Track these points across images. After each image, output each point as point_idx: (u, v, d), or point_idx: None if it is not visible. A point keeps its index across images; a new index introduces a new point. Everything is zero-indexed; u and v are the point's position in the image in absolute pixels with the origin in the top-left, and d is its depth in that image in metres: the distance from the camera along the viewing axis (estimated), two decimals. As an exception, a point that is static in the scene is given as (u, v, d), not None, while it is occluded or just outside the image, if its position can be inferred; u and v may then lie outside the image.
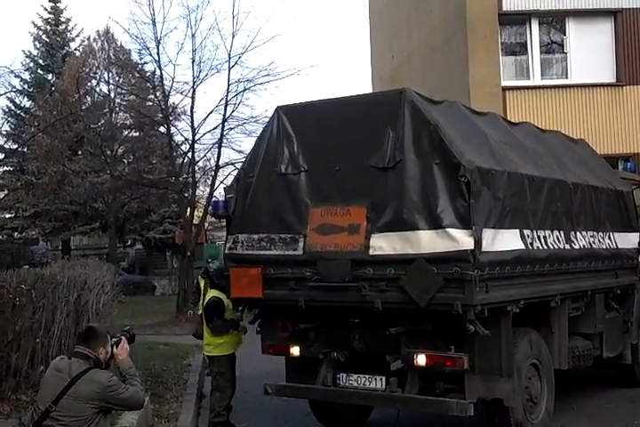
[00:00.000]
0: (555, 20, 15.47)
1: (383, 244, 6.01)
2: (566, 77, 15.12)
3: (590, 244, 7.76)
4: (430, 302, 5.76)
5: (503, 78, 14.83)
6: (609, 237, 8.21)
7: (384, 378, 6.45)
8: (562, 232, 7.20)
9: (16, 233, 36.53)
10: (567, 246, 7.26)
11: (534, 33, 15.11)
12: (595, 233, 7.90)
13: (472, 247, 5.70)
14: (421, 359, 6.12)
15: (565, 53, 15.13)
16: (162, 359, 11.32)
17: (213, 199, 7.77)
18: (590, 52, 14.87)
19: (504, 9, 14.79)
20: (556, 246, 7.03)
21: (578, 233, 7.51)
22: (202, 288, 12.21)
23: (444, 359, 6.10)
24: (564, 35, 15.18)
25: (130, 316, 17.23)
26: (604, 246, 8.08)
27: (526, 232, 6.55)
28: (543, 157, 7.54)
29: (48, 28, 37.76)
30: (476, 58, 14.56)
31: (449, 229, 5.76)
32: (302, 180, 6.59)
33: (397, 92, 6.35)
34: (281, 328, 6.95)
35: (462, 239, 5.71)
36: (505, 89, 14.74)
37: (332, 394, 6.70)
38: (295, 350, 6.84)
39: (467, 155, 5.91)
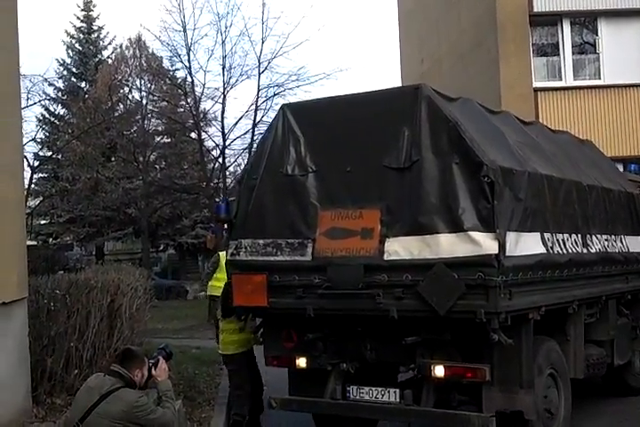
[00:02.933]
0: (587, 21, 15.31)
1: (399, 248, 5.67)
2: (599, 78, 14.95)
3: (605, 247, 7.45)
4: (451, 310, 5.40)
5: (535, 80, 14.70)
6: (620, 241, 7.88)
7: (398, 391, 6.06)
8: (579, 235, 6.90)
9: (51, 239, 37.05)
10: (584, 250, 6.95)
11: (566, 34, 14.96)
12: (608, 236, 7.59)
13: (496, 251, 5.36)
14: (439, 371, 5.75)
15: (598, 54, 14.97)
16: (194, 363, 11.35)
17: (216, 202, 7.32)
18: (623, 53, 14.69)
19: (535, 10, 14.67)
20: (574, 250, 6.72)
21: (593, 236, 7.21)
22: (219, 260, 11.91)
23: (465, 371, 5.72)
24: (597, 35, 15.02)
25: (162, 320, 17.37)
26: (617, 250, 7.75)
27: (547, 235, 6.25)
28: (557, 157, 7.25)
29: (81, 36, 38.29)
30: (507, 59, 14.46)
31: (471, 233, 5.41)
32: (310, 181, 6.23)
33: (413, 87, 6.01)
34: (285, 338, 6.53)
35: (486, 243, 5.38)
36: (537, 90, 14.61)
37: (343, 408, 6.24)
38: (301, 362, 6.41)
39: (489, 154, 5.60)
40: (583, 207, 7.10)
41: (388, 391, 6.11)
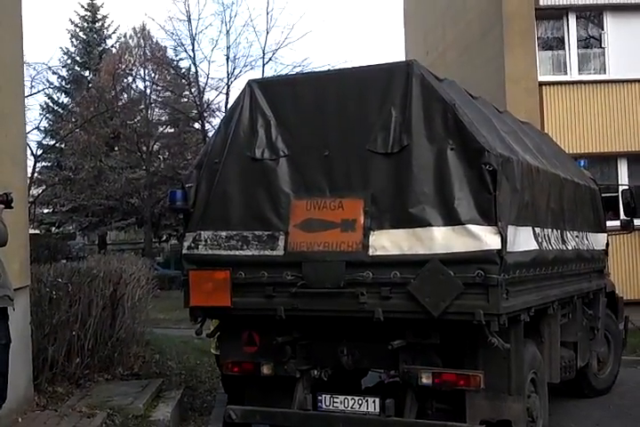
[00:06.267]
0: (592, 15, 15.23)
1: (386, 243, 5.11)
2: (604, 72, 14.89)
3: (578, 244, 7.10)
4: (446, 312, 4.90)
5: (540, 73, 14.63)
6: (586, 238, 7.51)
7: (378, 400, 5.44)
8: (559, 231, 6.51)
9: (54, 228, 37.14)
10: (563, 247, 6.55)
11: (571, 28, 14.88)
12: (578, 233, 7.22)
13: (499, 247, 4.87)
14: (427, 378, 5.19)
15: (603, 48, 14.91)
16: (195, 353, 11.40)
17: (171, 189, 6.16)
18: (629, 47, 14.61)
19: (541, 3, 14.59)
20: (557, 247, 6.34)
21: (568, 233, 6.82)
22: None
23: (457, 378, 5.16)
24: (602, 29, 14.94)
25: (164, 310, 17.41)
26: (585, 248, 7.40)
27: (537, 230, 5.84)
28: (533, 148, 6.80)
29: (85, 25, 38.29)
30: (512, 53, 14.40)
31: (469, 226, 4.91)
32: (282, 167, 5.56)
33: (404, 64, 5.43)
34: (246, 342, 5.86)
35: (486, 237, 4.87)
36: (542, 84, 14.55)
37: (314, 419, 5.57)
38: (266, 369, 5.68)
39: (488, 139, 5.10)
40: (561, 202, 6.75)
41: (367, 400, 5.50)
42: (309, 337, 5.72)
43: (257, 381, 5.87)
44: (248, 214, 5.62)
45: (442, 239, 4.98)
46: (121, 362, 8.75)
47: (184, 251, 5.88)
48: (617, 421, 7.59)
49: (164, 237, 40.42)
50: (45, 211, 37.53)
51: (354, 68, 5.88)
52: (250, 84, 5.91)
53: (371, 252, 5.16)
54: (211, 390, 8.88)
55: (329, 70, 6.01)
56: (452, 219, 4.99)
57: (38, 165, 31.81)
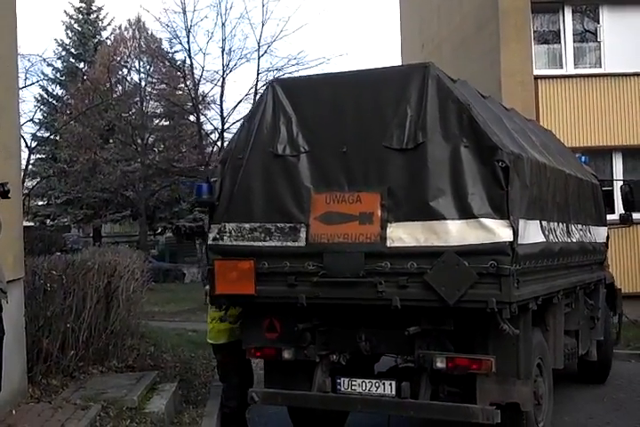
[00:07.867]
0: (588, 9, 15.22)
1: (403, 235, 5.40)
2: (600, 66, 14.90)
3: (581, 237, 7.49)
4: (460, 300, 5.18)
5: (535, 67, 14.62)
6: (589, 231, 7.91)
7: (394, 383, 5.74)
8: (564, 224, 6.86)
9: (48, 220, 37.08)
10: (568, 239, 6.91)
11: (567, 21, 14.88)
12: (582, 226, 7.60)
13: (511, 239, 5.19)
14: (441, 362, 5.48)
15: (599, 42, 14.92)
16: (190, 346, 11.42)
17: (197, 183, 6.68)
18: (624, 41, 14.61)
19: (537, -3, 14.60)
20: (562, 239, 6.67)
21: (573, 226, 7.18)
22: None
23: (469, 362, 5.45)
24: (598, 23, 14.94)
25: (159, 303, 17.44)
26: (588, 240, 7.80)
27: (544, 224, 6.15)
28: (539, 145, 7.07)
29: (80, 16, 38.15)
30: (507, 47, 14.38)
31: (483, 219, 5.20)
32: (303, 162, 5.87)
33: (421, 66, 5.75)
34: (268, 328, 6.16)
35: (499, 230, 5.18)
36: (537, 78, 14.55)
37: (333, 401, 5.90)
38: (287, 354, 5.99)
39: (501, 138, 5.42)
40: (566, 196, 7.07)
41: (383, 384, 5.81)
42: (329, 324, 5.99)
43: (278, 365, 6.17)
44: (270, 207, 5.90)
45: (456, 232, 5.26)
46: (115, 354, 8.75)
47: (209, 242, 6.16)
48: (610, 414, 7.65)
49: (159, 230, 40.39)
50: (40, 203, 37.48)
51: (371, 69, 6.13)
52: (272, 83, 6.26)
53: (388, 243, 5.44)
54: (205, 383, 8.88)
55: (347, 71, 6.25)
56: (466, 213, 5.27)
57: (33, 157, 31.78)
